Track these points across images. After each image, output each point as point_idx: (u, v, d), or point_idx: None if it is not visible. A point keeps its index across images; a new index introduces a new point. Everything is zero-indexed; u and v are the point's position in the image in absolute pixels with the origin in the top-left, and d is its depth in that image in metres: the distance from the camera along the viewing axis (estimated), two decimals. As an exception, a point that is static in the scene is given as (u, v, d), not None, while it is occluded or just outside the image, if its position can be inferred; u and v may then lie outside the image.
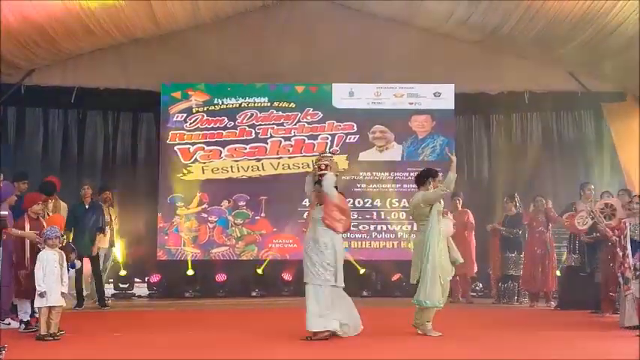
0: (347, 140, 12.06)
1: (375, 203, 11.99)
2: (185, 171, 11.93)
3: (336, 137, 12.05)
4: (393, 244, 11.95)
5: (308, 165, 10.82)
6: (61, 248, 7.18)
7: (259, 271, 11.79)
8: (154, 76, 12.01)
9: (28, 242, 7.57)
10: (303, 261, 7.10)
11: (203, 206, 11.96)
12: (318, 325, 6.88)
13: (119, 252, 11.48)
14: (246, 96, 12.04)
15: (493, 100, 12.51)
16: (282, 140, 12.01)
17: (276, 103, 12.06)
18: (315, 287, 6.94)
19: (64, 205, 9.86)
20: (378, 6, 12.20)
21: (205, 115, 12.00)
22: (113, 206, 11.09)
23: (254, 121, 12.00)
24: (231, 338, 7.13)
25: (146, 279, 12.03)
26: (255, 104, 12.05)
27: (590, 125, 12.73)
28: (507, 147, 12.79)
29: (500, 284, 10.99)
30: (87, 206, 10.14)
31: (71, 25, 10.52)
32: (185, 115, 11.98)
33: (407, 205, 10.54)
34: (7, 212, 7.65)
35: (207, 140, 11.97)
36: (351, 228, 11.56)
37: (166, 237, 11.88)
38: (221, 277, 11.84)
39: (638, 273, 7.33)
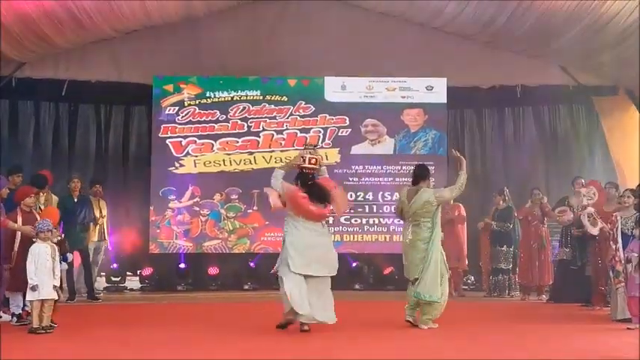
0: (339, 134, 12.06)
1: (367, 197, 12.01)
2: (177, 164, 11.89)
3: (329, 131, 12.05)
4: (385, 238, 11.96)
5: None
6: (57, 243, 7.16)
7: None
8: (145, 69, 11.97)
9: (19, 236, 7.54)
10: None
11: (195, 199, 11.93)
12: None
13: (111, 245, 11.43)
14: (239, 89, 12.00)
15: (485, 94, 12.56)
16: (275, 134, 12.00)
17: (268, 97, 12.03)
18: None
19: (55, 199, 9.82)
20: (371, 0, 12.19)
21: (197, 109, 11.96)
22: (104, 199, 11.05)
23: (246, 115, 11.98)
24: (224, 331, 7.12)
25: (138, 272, 12.00)
26: (248, 97, 12.01)
27: (583, 119, 12.75)
28: (499, 141, 12.83)
29: (491, 277, 11.05)
30: (75, 199, 10.14)
31: (63, 19, 10.45)
32: (177, 108, 11.94)
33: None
34: (-2, 205, 7.63)
35: (200, 133, 11.93)
36: (343, 221, 11.79)
37: (158, 230, 11.86)
38: (213, 271, 11.85)
39: (634, 264, 7.34)
